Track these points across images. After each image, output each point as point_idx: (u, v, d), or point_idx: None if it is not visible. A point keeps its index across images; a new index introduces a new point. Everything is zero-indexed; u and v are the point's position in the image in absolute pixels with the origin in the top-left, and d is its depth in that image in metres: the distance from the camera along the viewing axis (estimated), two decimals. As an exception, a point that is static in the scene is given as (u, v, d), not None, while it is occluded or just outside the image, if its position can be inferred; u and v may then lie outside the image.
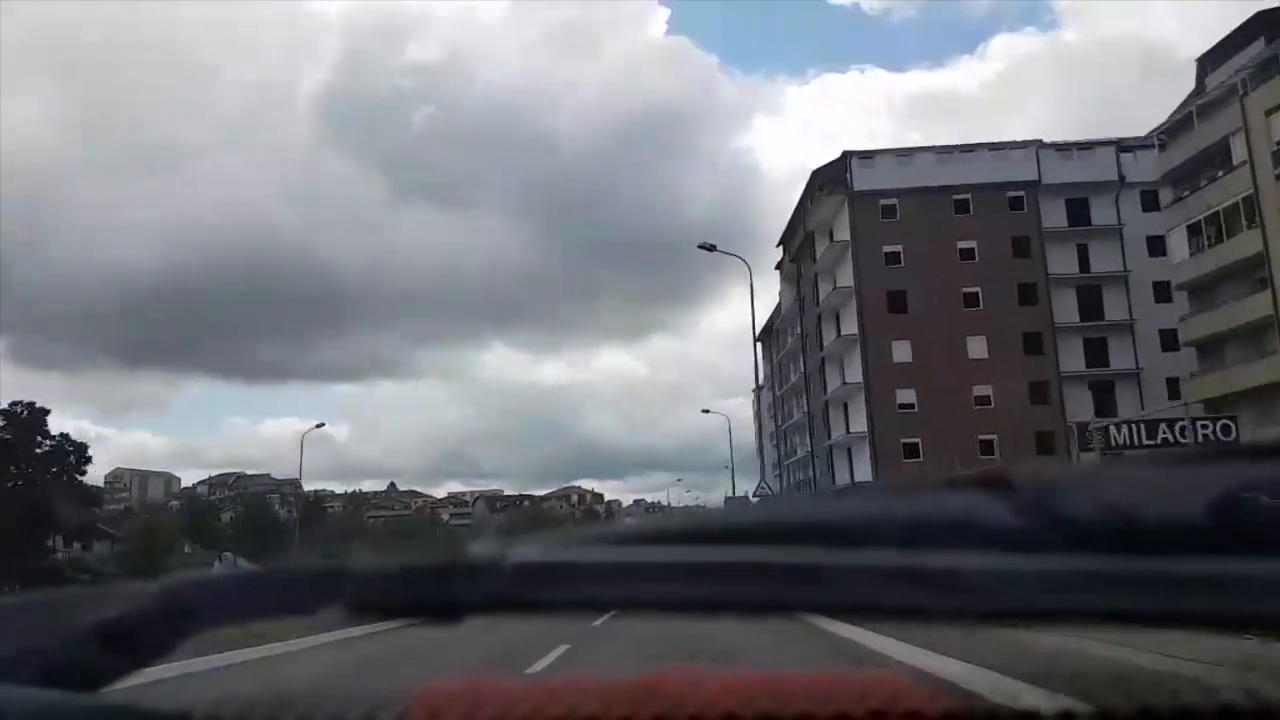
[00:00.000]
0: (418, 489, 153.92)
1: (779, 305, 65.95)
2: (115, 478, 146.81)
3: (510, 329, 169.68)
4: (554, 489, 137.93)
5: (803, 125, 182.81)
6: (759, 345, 49.06)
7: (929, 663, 6.12)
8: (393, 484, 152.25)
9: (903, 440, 45.08)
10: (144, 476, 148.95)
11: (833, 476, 50.23)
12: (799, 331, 58.19)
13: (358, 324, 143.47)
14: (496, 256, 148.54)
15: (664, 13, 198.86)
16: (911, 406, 45.51)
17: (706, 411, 60.16)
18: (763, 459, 46.66)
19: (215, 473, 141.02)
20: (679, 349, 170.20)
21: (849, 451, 48.46)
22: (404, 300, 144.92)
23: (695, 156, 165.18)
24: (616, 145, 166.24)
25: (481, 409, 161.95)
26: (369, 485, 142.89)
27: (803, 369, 57.71)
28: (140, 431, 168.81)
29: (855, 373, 46.72)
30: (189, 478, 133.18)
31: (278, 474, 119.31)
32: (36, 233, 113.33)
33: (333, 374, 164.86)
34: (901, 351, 45.80)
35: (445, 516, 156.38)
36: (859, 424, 46.44)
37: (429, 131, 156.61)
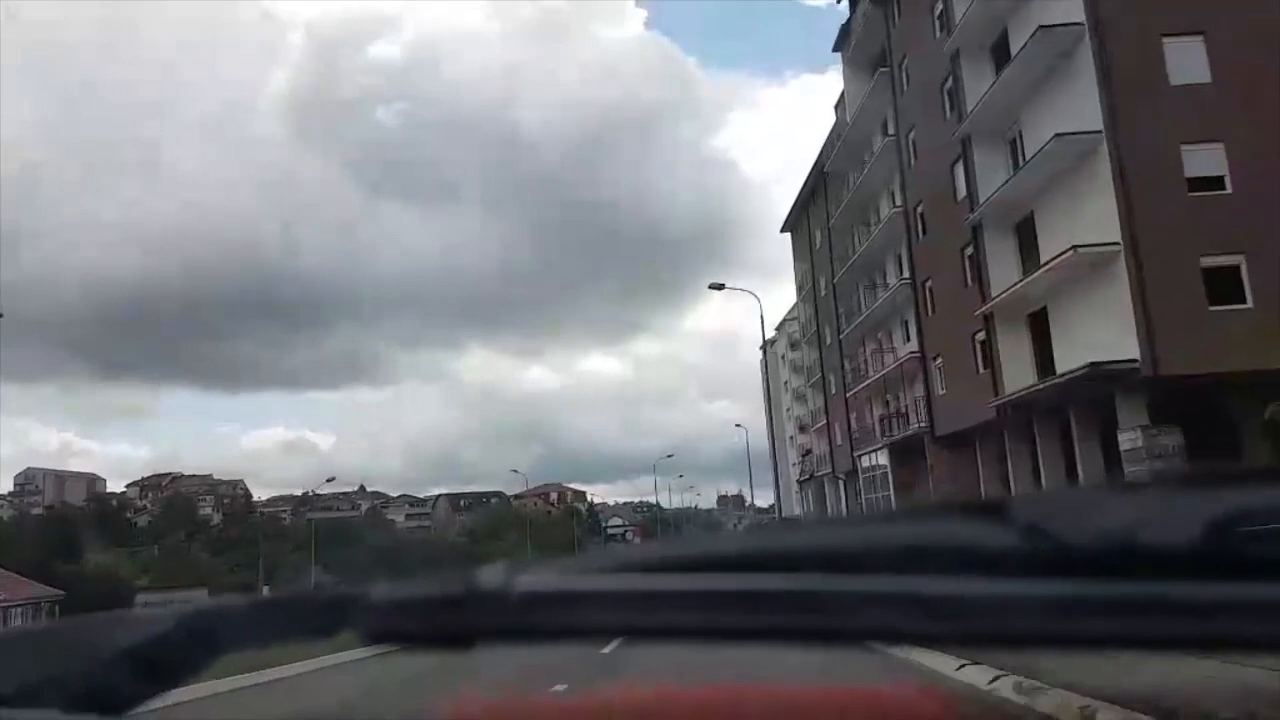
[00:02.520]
0: (386, 492, 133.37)
1: (829, 143, 39.52)
2: (27, 479, 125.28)
3: (493, 333, 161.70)
4: (530, 488, 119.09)
5: (780, 125, 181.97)
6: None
7: None
8: (362, 486, 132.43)
9: (1203, 261, 18.47)
10: (61, 478, 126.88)
11: (996, 385, 23.31)
12: (887, 131, 31.58)
13: (340, 330, 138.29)
14: (476, 259, 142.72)
15: (640, 13, 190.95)
16: (1217, 184, 18.78)
17: (719, 287, 33.32)
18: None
19: (148, 474, 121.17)
20: (663, 351, 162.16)
21: (1042, 315, 21.77)
22: (385, 305, 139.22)
23: (672, 155, 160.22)
24: (593, 144, 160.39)
25: (468, 415, 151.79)
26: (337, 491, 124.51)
27: (899, 197, 30.99)
28: (121, 444, 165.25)
29: (1061, 121, 19.90)
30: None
31: (263, 484, 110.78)
32: (9, 239, 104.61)
33: (314, 382, 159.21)
34: (1187, 61, 19.15)
35: (400, 518, 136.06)
36: (1082, 230, 19.37)
37: (403, 132, 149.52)
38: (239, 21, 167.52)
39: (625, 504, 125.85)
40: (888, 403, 33.45)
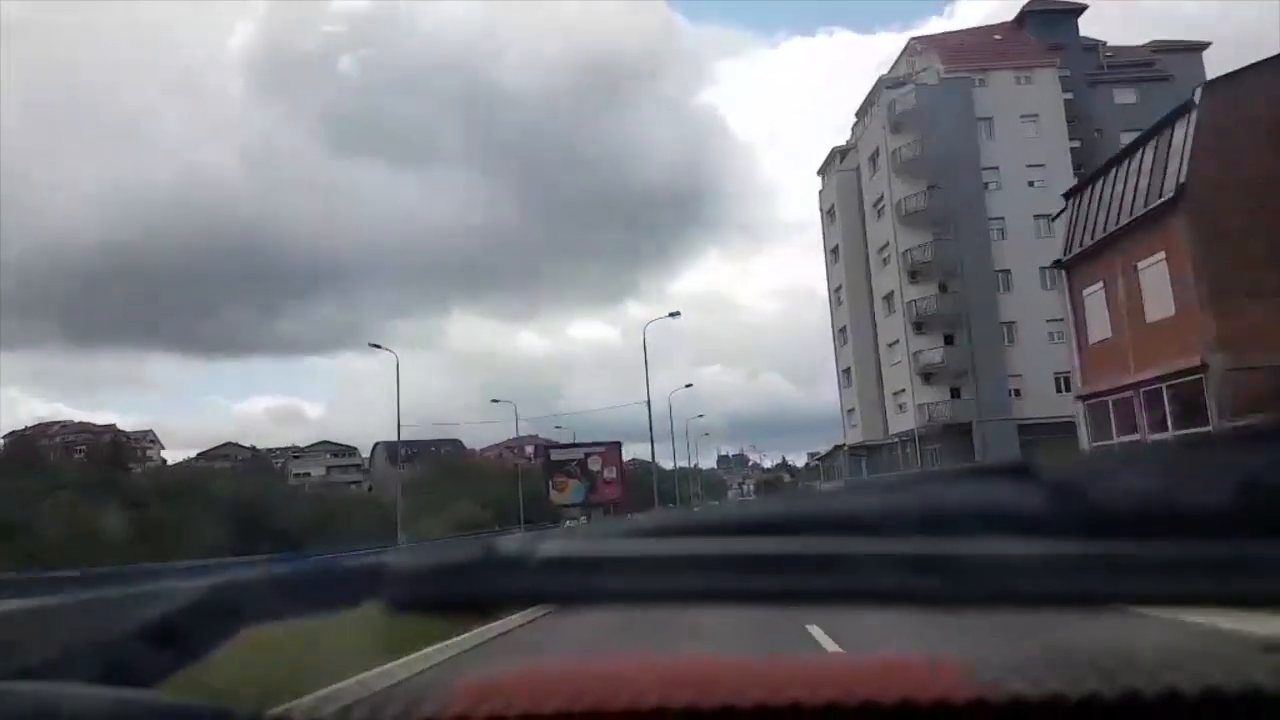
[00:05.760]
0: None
1: None
2: None
3: (481, 297, 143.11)
4: (506, 439, 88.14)
5: (770, 86, 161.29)
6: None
7: None
8: (325, 442, 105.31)
9: None
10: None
11: None
12: None
13: (326, 296, 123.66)
14: (460, 219, 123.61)
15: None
16: None
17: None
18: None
19: (30, 422, 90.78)
20: (653, 315, 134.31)
21: None
22: (371, 269, 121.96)
23: (658, 113, 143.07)
24: (579, 101, 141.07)
25: (457, 379, 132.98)
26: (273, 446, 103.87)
27: None
28: (108, 413, 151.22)
29: None
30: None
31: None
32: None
33: (302, 349, 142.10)
34: None
35: (320, 470, 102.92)
36: None
37: (379, 89, 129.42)
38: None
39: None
40: None
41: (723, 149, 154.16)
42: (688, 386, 58.59)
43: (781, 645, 5.17)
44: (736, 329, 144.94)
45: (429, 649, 7.52)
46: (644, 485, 55.46)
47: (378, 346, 38.96)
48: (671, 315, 37.17)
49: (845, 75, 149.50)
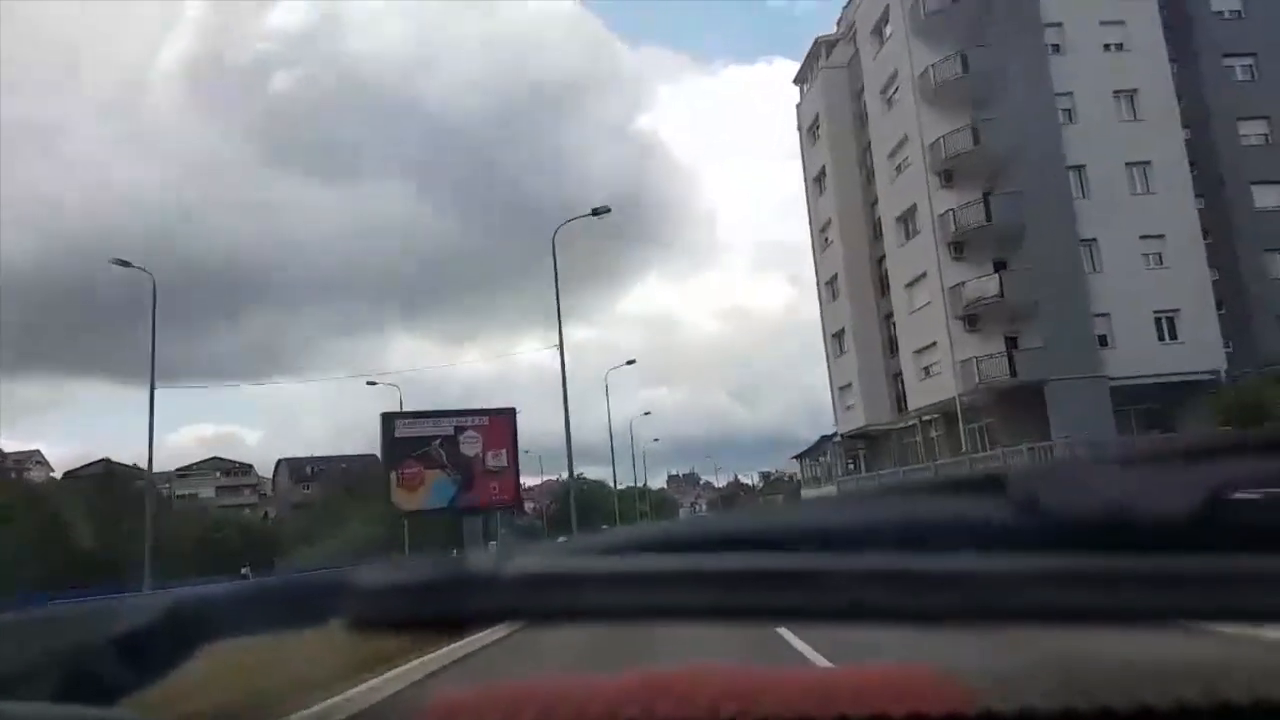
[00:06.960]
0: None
1: None
2: None
3: (418, 319, 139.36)
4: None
5: (708, 111, 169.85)
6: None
7: None
8: (216, 457, 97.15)
9: None
10: None
11: None
12: None
13: (259, 320, 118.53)
14: (396, 241, 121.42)
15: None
16: None
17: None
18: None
19: None
20: (598, 337, 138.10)
21: None
22: (306, 293, 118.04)
23: (600, 134, 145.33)
24: (521, 121, 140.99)
25: (396, 403, 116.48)
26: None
27: None
28: (36, 443, 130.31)
29: None
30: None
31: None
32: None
33: (237, 374, 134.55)
34: None
35: (210, 492, 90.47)
36: None
37: (318, 108, 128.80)
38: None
39: (553, 480, 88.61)
40: None
41: (662, 170, 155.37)
42: (630, 363, 44.66)
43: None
44: (682, 350, 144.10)
45: (396, 671, 6.90)
46: (588, 504, 42.36)
47: (125, 263, 24.52)
48: (595, 212, 23.66)
49: (785, 99, 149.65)
